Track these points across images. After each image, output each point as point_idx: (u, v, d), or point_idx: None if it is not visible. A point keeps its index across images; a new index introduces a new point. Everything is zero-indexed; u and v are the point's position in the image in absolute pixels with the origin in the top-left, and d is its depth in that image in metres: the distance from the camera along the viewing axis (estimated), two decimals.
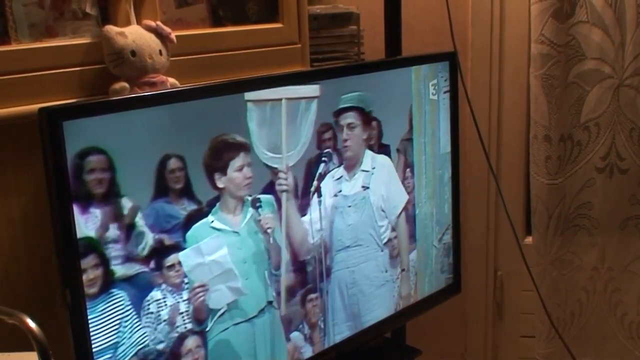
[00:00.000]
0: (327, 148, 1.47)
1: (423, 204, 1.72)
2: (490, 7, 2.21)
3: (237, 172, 1.30)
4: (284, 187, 1.40)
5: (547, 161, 2.06)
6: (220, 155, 1.27)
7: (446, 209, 1.80)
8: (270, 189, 1.38)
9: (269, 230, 1.37)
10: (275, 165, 1.38)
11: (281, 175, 1.39)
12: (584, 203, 2.11)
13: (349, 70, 1.55)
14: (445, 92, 1.74)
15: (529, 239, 2.28)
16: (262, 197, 1.36)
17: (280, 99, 1.37)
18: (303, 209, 1.44)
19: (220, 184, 1.28)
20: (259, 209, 1.35)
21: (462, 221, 1.88)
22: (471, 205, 2.36)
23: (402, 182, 1.66)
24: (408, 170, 1.66)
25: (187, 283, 1.25)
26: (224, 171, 1.28)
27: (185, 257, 1.24)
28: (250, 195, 1.34)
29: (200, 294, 1.26)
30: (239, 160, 1.30)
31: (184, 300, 1.24)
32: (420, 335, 2.21)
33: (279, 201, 1.39)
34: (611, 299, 2.18)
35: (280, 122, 1.37)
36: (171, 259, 1.22)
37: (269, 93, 1.35)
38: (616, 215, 2.12)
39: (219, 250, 1.29)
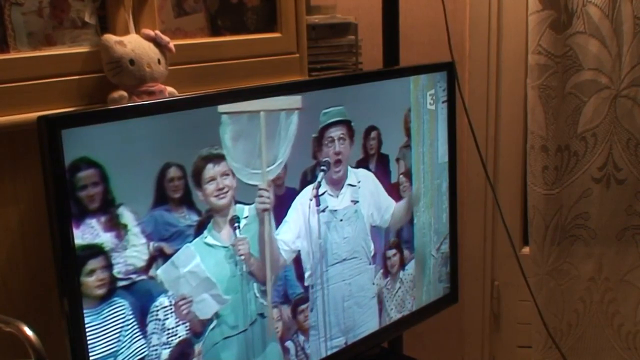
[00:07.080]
0: (322, 161, 1.46)
1: (422, 213, 1.72)
2: (488, 18, 2.22)
3: (209, 184, 1.26)
4: (266, 205, 1.37)
5: (544, 171, 2.06)
6: (197, 167, 1.24)
7: (444, 219, 1.80)
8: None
9: (242, 256, 1.32)
10: (256, 183, 1.35)
11: (263, 192, 1.36)
12: (581, 213, 2.12)
13: (348, 79, 1.55)
14: (443, 102, 1.74)
15: (526, 249, 2.29)
16: (244, 210, 1.33)
17: (259, 111, 1.34)
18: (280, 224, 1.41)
19: (201, 197, 1.26)
20: (237, 230, 1.31)
21: (459, 231, 1.88)
22: (468, 216, 2.36)
23: (399, 187, 1.66)
24: (404, 177, 1.66)
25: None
26: (199, 184, 1.25)
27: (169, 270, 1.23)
28: (231, 211, 1.30)
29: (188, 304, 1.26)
30: (209, 172, 1.26)
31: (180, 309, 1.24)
32: (417, 345, 2.21)
33: (261, 219, 1.37)
34: (608, 310, 2.18)
35: (259, 135, 1.34)
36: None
37: (246, 105, 1.32)
38: (613, 225, 2.12)
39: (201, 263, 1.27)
